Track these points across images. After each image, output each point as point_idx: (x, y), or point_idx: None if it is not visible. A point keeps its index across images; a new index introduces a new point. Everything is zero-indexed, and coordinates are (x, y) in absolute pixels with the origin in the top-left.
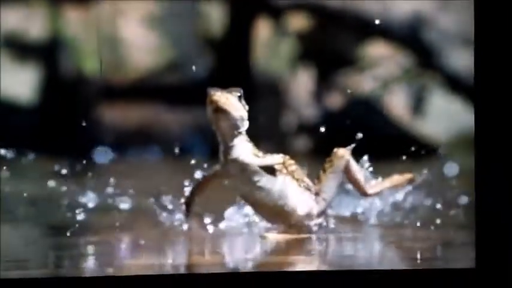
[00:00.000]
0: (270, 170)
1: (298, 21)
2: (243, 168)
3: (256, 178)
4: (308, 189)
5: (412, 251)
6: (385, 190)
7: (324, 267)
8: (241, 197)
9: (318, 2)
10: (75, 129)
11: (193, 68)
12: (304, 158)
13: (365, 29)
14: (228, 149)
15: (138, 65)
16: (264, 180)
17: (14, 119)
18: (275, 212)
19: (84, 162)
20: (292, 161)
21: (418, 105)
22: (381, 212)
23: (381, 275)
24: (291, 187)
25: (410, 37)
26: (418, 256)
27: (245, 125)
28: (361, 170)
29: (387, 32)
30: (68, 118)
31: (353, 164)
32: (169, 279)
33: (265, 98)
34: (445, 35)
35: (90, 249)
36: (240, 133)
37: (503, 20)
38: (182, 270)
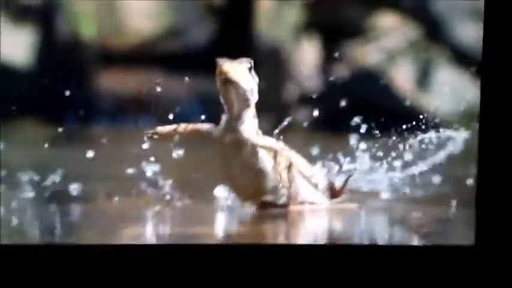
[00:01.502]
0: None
1: None
2: (240, 142)
3: (247, 153)
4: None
5: (411, 227)
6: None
7: (317, 241)
8: (222, 166)
9: None
10: (70, 94)
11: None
12: (306, 130)
13: None
14: (233, 119)
15: (136, 30)
16: (253, 156)
17: (8, 83)
18: (250, 187)
19: (79, 127)
20: (286, 154)
21: (423, 78)
22: (383, 187)
23: (379, 250)
24: (272, 169)
25: (418, 8)
26: (418, 232)
27: (255, 97)
28: (308, 175)
29: (394, 2)
30: (64, 82)
31: (296, 170)
32: (155, 249)
33: (267, 67)
34: (454, 7)
35: (77, 217)
36: (248, 106)
37: None
38: (165, 241)
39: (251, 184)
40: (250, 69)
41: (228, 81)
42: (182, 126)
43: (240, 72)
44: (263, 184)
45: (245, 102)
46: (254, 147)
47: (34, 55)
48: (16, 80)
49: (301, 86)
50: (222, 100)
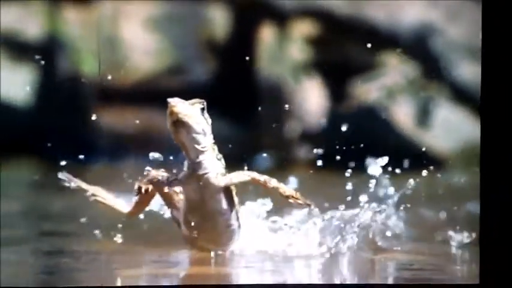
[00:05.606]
0: (228, 191)
1: (303, 28)
2: (207, 186)
3: (214, 196)
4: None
5: (415, 266)
6: None
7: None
8: (187, 206)
9: (324, 9)
10: (71, 131)
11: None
12: (308, 166)
13: (371, 37)
14: (195, 164)
15: (138, 67)
16: (220, 199)
17: (10, 119)
18: (209, 229)
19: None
20: (263, 177)
21: (423, 116)
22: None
23: None
24: (238, 210)
25: (418, 47)
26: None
27: (208, 139)
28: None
29: (394, 41)
30: (65, 120)
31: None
32: None
33: (268, 104)
34: (453, 46)
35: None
36: (205, 149)
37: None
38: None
39: (213, 223)
40: (202, 110)
41: (178, 123)
42: (143, 185)
43: (192, 113)
44: (226, 226)
45: (197, 144)
46: (220, 189)
47: (34, 92)
48: (15, 115)
49: (302, 121)
50: (175, 142)
